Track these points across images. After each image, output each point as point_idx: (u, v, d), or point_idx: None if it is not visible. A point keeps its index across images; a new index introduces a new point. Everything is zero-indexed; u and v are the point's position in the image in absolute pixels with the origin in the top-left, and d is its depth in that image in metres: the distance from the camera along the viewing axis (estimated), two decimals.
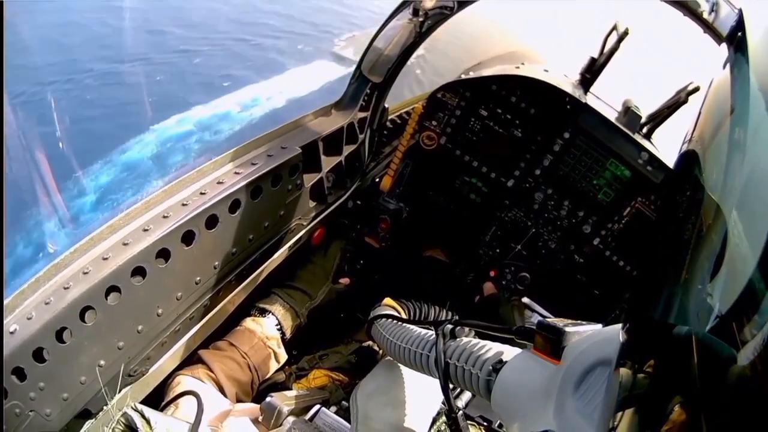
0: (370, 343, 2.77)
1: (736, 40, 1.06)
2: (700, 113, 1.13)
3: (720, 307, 0.76)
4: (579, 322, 1.26)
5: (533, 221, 3.48)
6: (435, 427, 1.92)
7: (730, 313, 0.73)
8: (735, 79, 1.00)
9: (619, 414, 0.96)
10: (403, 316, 2.47)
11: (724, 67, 1.09)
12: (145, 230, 2.09)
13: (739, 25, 1.05)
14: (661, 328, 0.97)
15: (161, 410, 2.07)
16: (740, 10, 1.10)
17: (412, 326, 2.00)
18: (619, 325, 1.11)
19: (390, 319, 2.19)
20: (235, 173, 2.43)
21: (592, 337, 1.19)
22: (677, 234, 1.10)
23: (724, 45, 1.18)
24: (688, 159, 1.12)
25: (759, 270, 0.69)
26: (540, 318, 3.77)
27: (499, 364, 1.40)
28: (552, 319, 1.29)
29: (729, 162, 0.91)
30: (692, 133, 1.12)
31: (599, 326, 1.24)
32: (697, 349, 0.75)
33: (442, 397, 2.02)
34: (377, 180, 3.83)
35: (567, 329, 1.21)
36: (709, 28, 2.41)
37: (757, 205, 0.77)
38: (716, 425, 0.66)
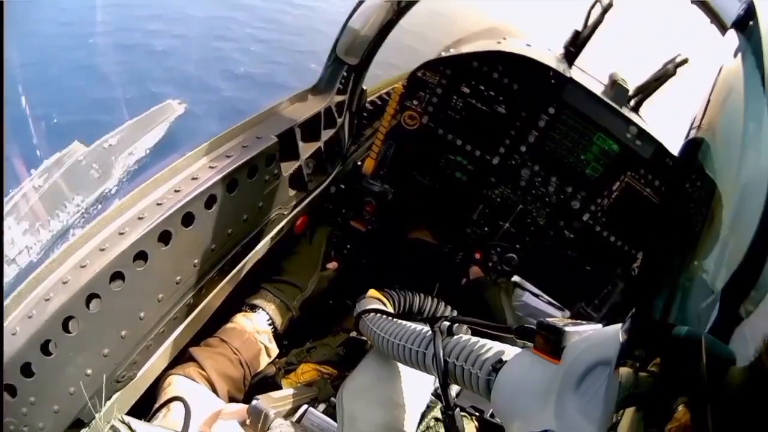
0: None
1: (747, 27, 1.02)
2: (709, 101, 1.09)
3: (723, 303, 0.74)
4: (579, 321, 1.24)
5: (521, 198, 3.45)
6: (425, 422, 1.92)
7: (732, 309, 0.71)
8: (747, 67, 0.97)
9: (620, 413, 0.95)
10: (389, 307, 2.45)
11: (735, 54, 1.05)
12: (121, 234, 2.03)
13: (749, 11, 1.01)
14: (661, 326, 0.95)
15: (154, 413, 2.08)
16: None
17: (403, 321, 1.97)
18: (619, 325, 1.10)
19: (379, 314, 2.16)
20: (210, 167, 2.37)
21: (591, 336, 1.18)
22: (682, 225, 1.08)
23: (731, 31, 1.14)
24: (697, 146, 1.09)
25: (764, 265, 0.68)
26: (531, 296, 3.78)
27: (499, 364, 1.39)
28: (552, 319, 1.27)
29: (741, 151, 0.88)
30: (701, 120, 1.09)
31: (599, 326, 1.23)
32: (698, 348, 0.73)
33: (430, 391, 2.02)
34: (359, 163, 3.78)
35: (567, 329, 1.21)
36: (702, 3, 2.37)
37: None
38: (718, 424, 0.64)
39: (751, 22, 0.99)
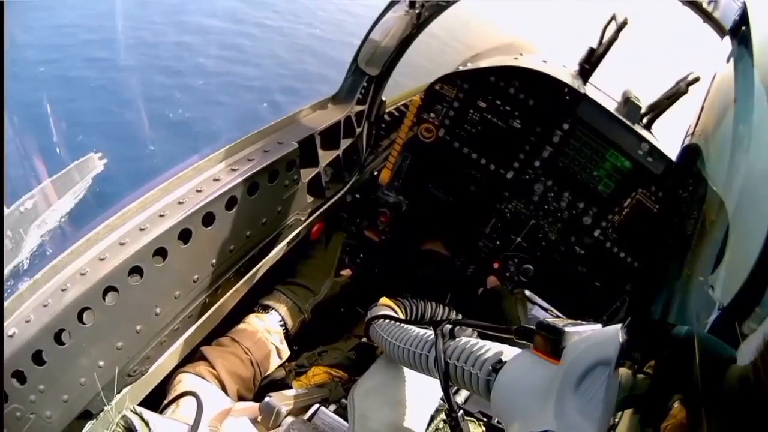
0: None
1: (740, 34, 1.04)
2: (703, 107, 1.12)
3: (721, 304, 0.75)
4: (579, 321, 1.25)
5: (533, 213, 3.47)
6: (433, 425, 1.92)
7: (730, 310, 0.72)
8: (739, 73, 0.99)
9: (619, 413, 0.96)
10: (400, 315, 2.47)
11: (728, 60, 1.07)
12: (142, 229, 2.07)
13: (743, 19, 1.04)
14: (661, 327, 0.96)
15: (163, 409, 2.08)
16: (744, 4, 1.08)
17: (410, 326, 1.99)
18: (619, 325, 1.11)
19: (388, 320, 2.18)
20: (232, 170, 2.42)
21: (591, 336, 1.18)
22: (679, 229, 1.09)
23: (726, 38, 1.16)
24: (691, 152, 1.11)
25: (760, 266, 0.69)
26: (541, 310, 3.78)
27: (498, 364, 1.39)
28: (551, 319, 1.28)
29: (732, 156, 0.90)
30: (695, 127, 1.11)
31: (599, 326, 1.23)
32: (697, 348, 0.75)
33: (439, 395, 2.02)
34: (376, 173, 3.82)
35: (566, 329, 1.21)
36: (709, 18, 2.39)
37: (759, 200, 0.76)
38: (716, 424, 0.66)
39: (743, 28, 1.01)
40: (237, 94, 15.16)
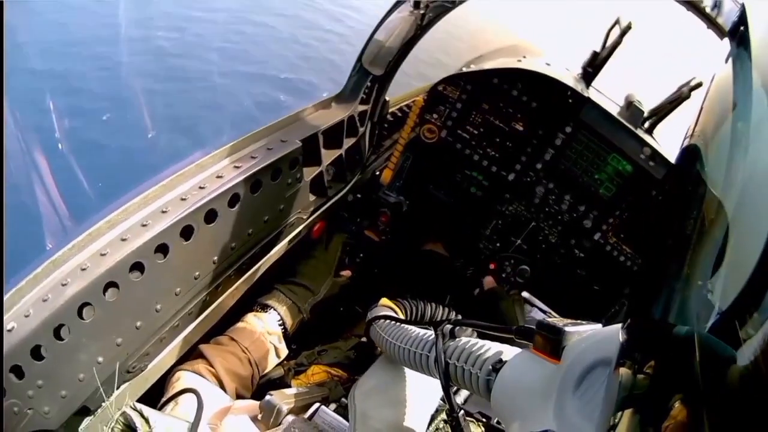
0: None
1: (738, 34, 1.05)
2: (702, 108, 1.12)
3: (721, 305, 0.76)
4: (579, 321, 1.25)
5: (534, 215, 3.47)
6: (434, 424, 1.92)
7: (731, 311, 0.73)
8: (737, 74, 0.99)
9: (619, 414, 0.96)
10: (400, 315, 2.47)
11: (726, 61, 1.08)
12: (144, 225, 2.07)
13: (741, 19, 1.04)
14: (661, 327, 0.97)
15: (162, 406, 2.08)
16: (742, 5, 1.09)
17: (411, 327, 1.99)
18: (619, 325, 1.11)
19: (389, 320, 2.18)
20: (235, 167, 2.41)
21: (592, 336, 1.18)
22: (678, 230, 1.09)
23: (725, 39, 1.16)
24: (690, 154, 1.11)
25: (761, 267, 0.69)
26: (540, 312, 3.78)
27: (498, 364, 1.39)
28: (552, 319, 1.28)
29: (731, 158, 0.90)
30: (694, 128, 1.11)
31: (599, 326, 1.23)
32: (698, 348, 0.75)
33: (439, 395, 2.02)
34: (377, 173, 3.82)
35: (567, 329, 1.20)
36: (712, 23, 2.39)
37: (759, 202, 0.76)
38: (717, 425, 0.66)
39: (742, 29, 1.02)
40: None
